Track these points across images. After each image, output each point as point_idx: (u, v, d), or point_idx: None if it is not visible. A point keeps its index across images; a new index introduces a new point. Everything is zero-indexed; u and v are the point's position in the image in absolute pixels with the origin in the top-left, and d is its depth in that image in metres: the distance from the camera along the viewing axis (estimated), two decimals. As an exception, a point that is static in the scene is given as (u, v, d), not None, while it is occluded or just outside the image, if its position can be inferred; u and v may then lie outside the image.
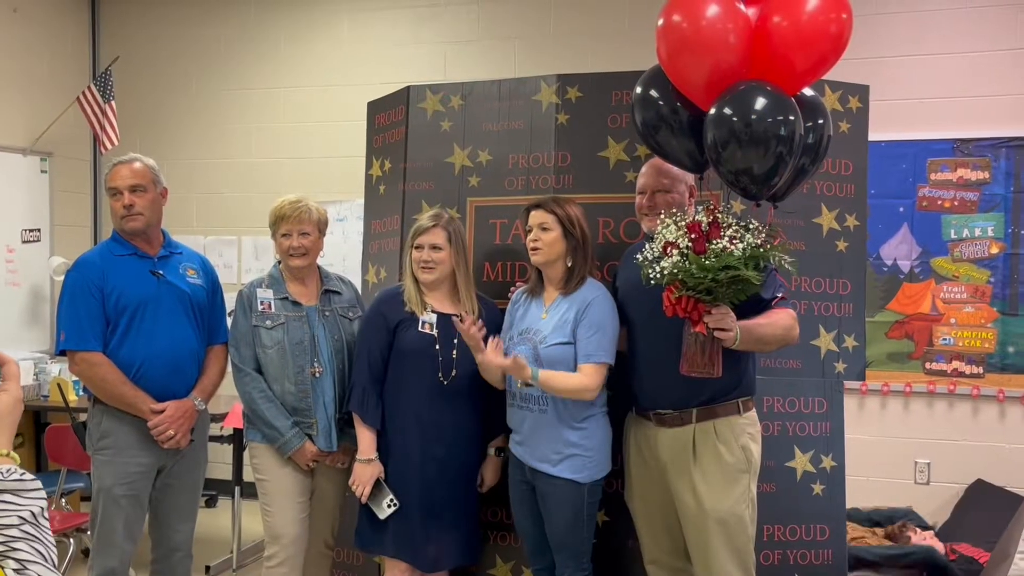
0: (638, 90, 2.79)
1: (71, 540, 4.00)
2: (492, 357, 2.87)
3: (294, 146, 6.08)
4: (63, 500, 4.55)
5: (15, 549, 1.23)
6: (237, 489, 4.71)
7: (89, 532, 3.17)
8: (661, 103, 2.71)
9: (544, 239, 2.90)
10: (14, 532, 1.23)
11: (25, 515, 1.26)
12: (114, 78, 5.82)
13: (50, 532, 1.32)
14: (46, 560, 1.26)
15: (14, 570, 1.23)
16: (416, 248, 3.06)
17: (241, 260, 6.15)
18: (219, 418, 4.54)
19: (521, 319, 3.02)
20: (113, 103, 5.76)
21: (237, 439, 4.65)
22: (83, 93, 5.81)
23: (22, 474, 1.30)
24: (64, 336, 3.02)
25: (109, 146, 5.78)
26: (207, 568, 4.54)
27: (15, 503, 1.26)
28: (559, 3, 5.57)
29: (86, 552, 4.38)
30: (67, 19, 6.26)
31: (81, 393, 5.16)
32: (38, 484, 1.30)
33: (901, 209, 4.90)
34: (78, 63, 6.35)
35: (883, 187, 4.79)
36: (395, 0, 5.88)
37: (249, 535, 4.95)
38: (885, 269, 4.93)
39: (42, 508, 1.30)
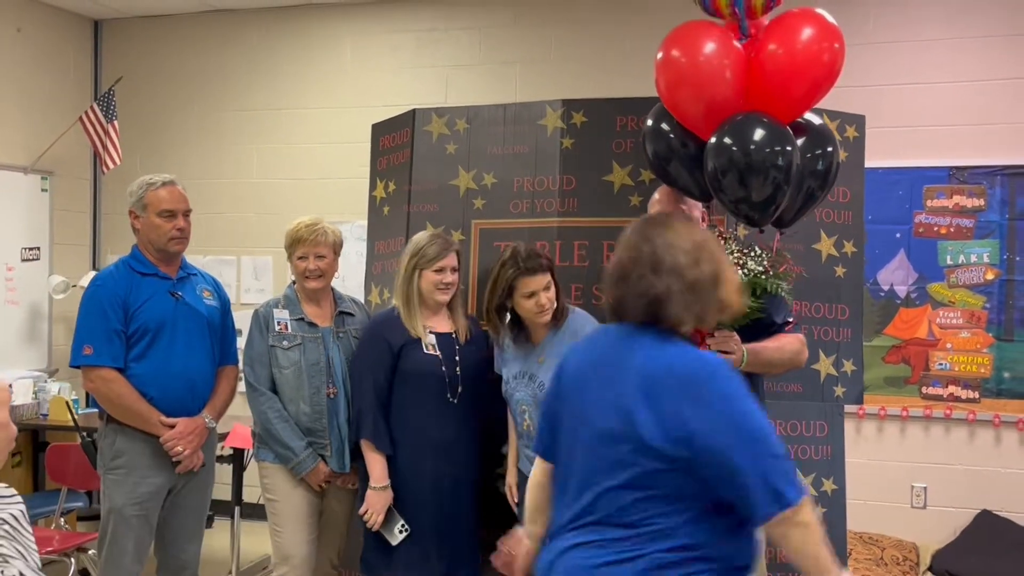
0: (649, 123, 2.87)
1: (71, 560, 3.98)
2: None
3: (295, 167, 6.11)
4: (62, 519, 4.55)
5: None
6: (237, 509, 4.70)
7: (96, 551, 3.17)
8: (671, 136, 2.79)
9: (550, 298, 2.91)
10: None
11: (5, 516, 1.29)
12: (116, 98, 5.85)
13: (32, 537, 1.35)
14: (27, 561, 1.29)
15: None
16: (438, 271, 3.07)
17: (240, 280, 6.17)
18: (219, 438, 4.54)
19: (514, 360, 3.03)
20: (116, 123, 5.79)
21: (237, 459, 4.65)
22: (86, 113, 5.84)
23: None
24: (90, 350, 3.02)
25: (111, 165, 5.80)
26: (204, 588, 4.52)
27: None
28: (559, 29, 5.62)
29: (84, 573, 4.38)
30: (70, 39, 6.30)
31: (81, 411, 5.16)
32: (13, 491, 1.34)
33: (898, 235, 4.95)
34: (80, 83, 6.38)
35: (880, 213, 4.85)
36: (397, 24, 5.93)
37: (247, 555, 4.94)
38: (882, 294, 4.98)
39: (22, 511, 1.32)
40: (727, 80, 2.60)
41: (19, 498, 1.38)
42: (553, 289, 2.91)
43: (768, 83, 2.59)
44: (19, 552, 1.31)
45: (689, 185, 2.81)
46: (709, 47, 2.59)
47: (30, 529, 1.35)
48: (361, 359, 3.14)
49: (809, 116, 2.74)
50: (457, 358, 3.07)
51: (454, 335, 3.11)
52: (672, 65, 2.65)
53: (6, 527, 1.31)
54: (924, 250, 4.92)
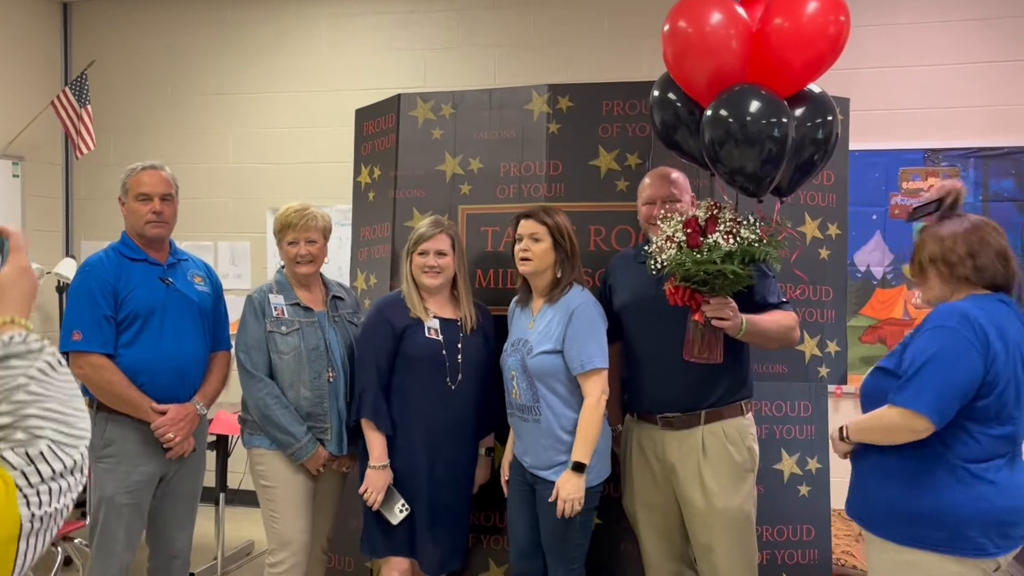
0: (655, 93, 2.89)
1: (58, 549, 3.95)
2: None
3: (272, 151, 6.06)
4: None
5: (25, 417, 1.13)
6: (222, 496, 4.69)
7: (88, 540, 3.15)
8: (678, 104, 2.82)
9: (535, 249, 2.94)
10: (21, 396, 1.14)
11: (32, 373, 1.16)
12: (89, 82, 5.77)
13: (70, 379, 1.21)
14: (64, 423, 1.15)
15: (12, 448, 1.11)
16: (420, 254, 3.09)
17: (218, 266, 6.11)
18: (204, 425, 4.52)
19: (513, 329, 3.08)
20: (89, 107, 5.71)
21: (221, 445, 4.64)
22: (58, 97, 5.75)
23: (25, 337, 1.20)
24: (79, 336, 2.99)
25: (85, 151, 5.72)
26: (191, 575, 4.51)
27: (20, 366, 1.16)
28: (539, 12, 5.62)
29: (68, 561, 4.35)
30: (39, 23, 6.18)
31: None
32: (46, 343, 1.20)
33: (874, 217, 5.02)
34: (50, 67, 6.27)
35: (857, 195, 4.87)
36: (374, 5, 5.89)
37: (231, 541, 4.94)
38: (859, 275, 5.05)
39: (49, 363, 1.18)
40: (733, 51, 2.64)
41: (45, 344, 1.20)
42: (543, 245, 2.92)
43: (773, 55, 2.63)
44: (53, 414, 1.15)
45: (696, 153, 2.85)
46: (715, 18, 2.62)
47: (66, 371, 1.19)
48: (365, 340, 3.14)
49: (810, 86, 2.76)
50: (460, 345, 3.07)
51: (459, 322, 3.11)
52: (679, 35, 2.68)
53: (32, 386, 1.15)
54: (900, 232, 4.99)
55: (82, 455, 1.17)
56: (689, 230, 2.69)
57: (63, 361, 1.22)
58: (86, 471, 1.19)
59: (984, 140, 4.89)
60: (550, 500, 2.83)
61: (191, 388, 3.16)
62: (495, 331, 3.19)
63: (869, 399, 2.43)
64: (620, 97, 3.42)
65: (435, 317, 3.10)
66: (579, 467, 2.81)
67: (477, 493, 3.24)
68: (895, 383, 2.31)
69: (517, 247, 2.98)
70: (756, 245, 2.66)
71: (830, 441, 2.57)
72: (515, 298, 3.14)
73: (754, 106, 2.59)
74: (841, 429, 2.47)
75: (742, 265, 2.65)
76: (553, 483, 2.86)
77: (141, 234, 3.14)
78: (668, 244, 2.71)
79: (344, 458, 3.20)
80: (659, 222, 2.81)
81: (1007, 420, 2.26)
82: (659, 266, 2.74)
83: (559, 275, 2.96)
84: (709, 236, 2.66)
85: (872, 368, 2.50)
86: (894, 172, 5.01)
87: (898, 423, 2.25)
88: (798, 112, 2.69)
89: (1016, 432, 2.28)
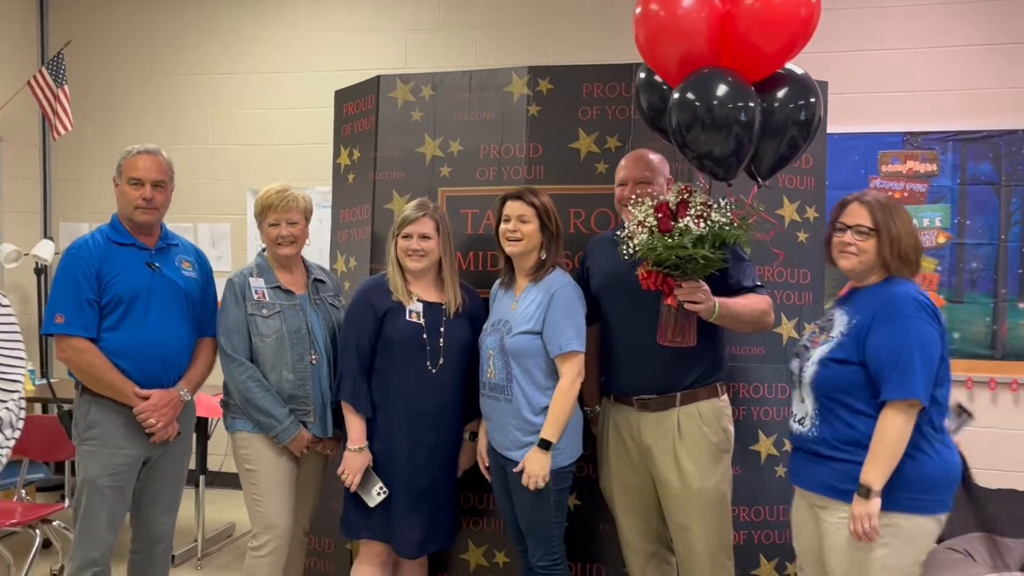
0: (642, 75, 2.89)
1: (36, 532, 3.94)
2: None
3: (250, 133, 6.03)
4: (23, 491, 4.49)
5: None
6: (202, 478, 4.69)
7: (71, 523, 3.14)
8: (664, 87, 2.81)
9: (523, 230, 2.95)
10: None
11: None
12: (66, 62, 5.71)
13: (11, 323, 1.14)
14: None
15: None
16: (404, 237, 3.08)
17: (197, 247, 6.08)
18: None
19: (495, 310, 3.08)
20: (66, 87, 5.65)
21: (201, 428, 4.63)
22: (34, 77, 5.69)
23: None
24: (61, 319, 2.96)
25: (62, 131, 5.67)
26: (172, 558, 4.50)
27: None
28: (520, -8, 5.60)
29: (47, 543, 4.35)
30: (15, 1, 6.11)
31: (38, 382, 5.08)
32: None
33: (853, 200, 5.04)
34: (26, 46, 6.20)
35: (836, 178, 4.91)
36: (354, -14, 5.86)
37: (211, 524, 4.95)
38: (837, 258, 5.07)
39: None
40: (704, 34, 2.63)
41: None
42: (531, 226, 2.94)
43: (743, 37, 2.62)
44: None
45: None
46: (687, 1, 2.61)
47: (8, 320, 1.14)
48: (347, 323, 3.14)
49: (791, 66, 2.76)
50: (442, 329, 3.06)
51: (444, 306, 3.10)
52: (651, 18, 2.67)
53: None
54: (878, 215, 5.02)
55: (10, 410, 1.12)
56: (660, 215, 2.69)
57: (4, 302, 1.16)
58: (19, 426, 1.14)
59: (962, 123, 4.91)
60: (515, 471, 2.86)
61: (175, 374, 3.13)
62: (483, 315, 3.16)
63: (833, 389, 2.50)
64: (600, 79, 3.42)
65: (419, 300, 3.09)
66: (545, 444, 2.83)
67: (466, 477, 3.24)
68: (857, 371, 2.45)
69: (504, 227, 2.98)
70: (727, 229, 2.67)
71: (856, 522, 2.38)
72: (498, 280, 3.14)
73: (720, 90, 2.59)
74: (864, 492, 2.36)
75: (713, 249, 2.66)
76: (517, 463, 2.89)
77: (130, 218, 3.11)
78: (640, 229, 2.71)
79: (328, 440, 3.20)
80: (630, 207, 2.82)
81: (946, 381, 2.50)
82: (631, 251, 2.74)
83: (544, 256, 2.98)
84: (680, 220, 2.67)
85: (819, 361, 2.53)
86: (873, 155, 5.03)
87: (903, 421, 2.37)
88: (780, 94, 2.69)
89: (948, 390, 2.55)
